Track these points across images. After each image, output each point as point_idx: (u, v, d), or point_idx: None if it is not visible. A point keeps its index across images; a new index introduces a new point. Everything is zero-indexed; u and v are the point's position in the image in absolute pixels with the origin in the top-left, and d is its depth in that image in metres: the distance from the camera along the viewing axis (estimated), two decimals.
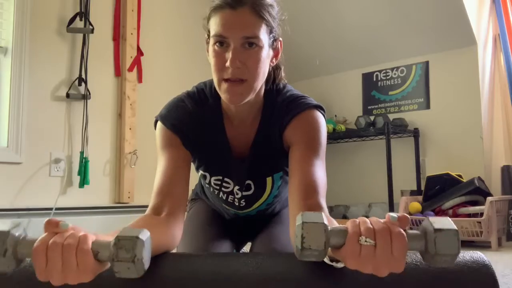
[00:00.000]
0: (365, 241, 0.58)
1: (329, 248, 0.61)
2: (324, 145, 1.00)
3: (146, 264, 0.61)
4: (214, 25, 0.93)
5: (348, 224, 0.62)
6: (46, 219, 0.63)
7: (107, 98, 3.09)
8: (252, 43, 0.92)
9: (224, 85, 0.94)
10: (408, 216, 0.61)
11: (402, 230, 0.59)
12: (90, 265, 0.60)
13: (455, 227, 0.60)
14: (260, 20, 0.93)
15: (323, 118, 1.04)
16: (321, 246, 0.59)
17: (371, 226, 0.60)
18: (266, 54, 0.96)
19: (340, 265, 0.69)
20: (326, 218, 0.62)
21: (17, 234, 0.63)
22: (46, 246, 0.59)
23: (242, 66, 0.92)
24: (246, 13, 0.91)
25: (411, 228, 0.61)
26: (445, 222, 0.61)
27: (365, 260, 0.59)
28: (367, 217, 0.62)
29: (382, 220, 0.61)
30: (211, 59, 0.96)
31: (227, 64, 0.91)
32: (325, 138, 1.02)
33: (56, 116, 2.84)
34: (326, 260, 0.65)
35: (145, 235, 0.62)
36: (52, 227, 0.62)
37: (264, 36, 0.94)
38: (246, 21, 0.91)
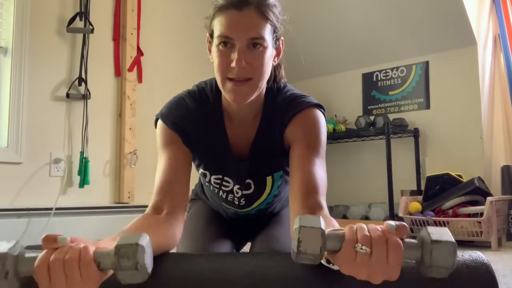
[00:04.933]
0: (361, 248, 0.58)
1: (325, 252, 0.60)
2: (324, 144, 1.00)
3: (149, 268, 0.61)
4: (218, 26, 0.93)
5: (346, 230, 0.62)
6: (44, 235, 0.61)
7: (107, 98, 3.10)
8: (257, 44, 0.92)
9: (229, 84, 0.94)
10: (407, 226, 0.61)
11: (399, 240, 0.59)
12: (94, 276, 0.60)
13: (453, 239, 0.59)
14: (265, 20, 0.93)
15: (323, 117, 1.04)
16: (316, 250, 0.59)
17: (368, 234, 0.60)
18: (270, 54, 0.97)
19: (336, 267, 0.69)
20: (323, 221, 0.61)
21: (15, 253, 0.61)
22: (48, 264, 0.59)
23: (248, 66, 0.92)
24: (252, 13, 0.91)
25: (410, 228, 0.61)
26: (443, 234, 0.60)
27: (360, 266, 0.59)
28: (367, 217, 0.62)
29: (380, 227, 0.61)
30: (215, 59, 0.95)
31: (233, 64, 0.91)
32: (325, 137, 1.02)
33: (56, 116, 2.84)
34: (323, 261, 0.65)
35: (144, 239, 0.61)
36: (51, 243, 0.61)
37: (268, 36, 0.94)
38: (251, 22, 0.91)
